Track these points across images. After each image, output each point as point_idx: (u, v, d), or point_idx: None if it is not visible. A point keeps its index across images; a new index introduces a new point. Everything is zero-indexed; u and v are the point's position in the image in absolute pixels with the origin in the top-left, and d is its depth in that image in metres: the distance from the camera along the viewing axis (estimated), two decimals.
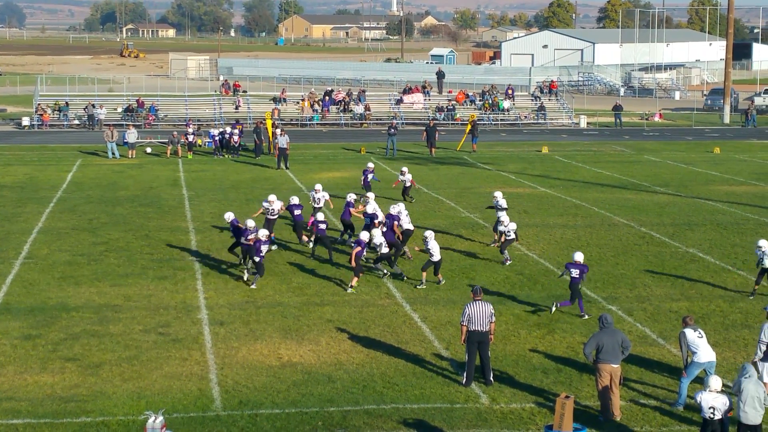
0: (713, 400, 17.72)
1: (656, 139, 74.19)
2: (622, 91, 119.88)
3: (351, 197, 36.40)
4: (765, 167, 58.17)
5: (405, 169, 45.23)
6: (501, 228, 33.67)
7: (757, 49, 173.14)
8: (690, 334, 20.67)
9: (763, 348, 20.64)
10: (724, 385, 19.94)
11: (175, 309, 27.86)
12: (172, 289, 29.98)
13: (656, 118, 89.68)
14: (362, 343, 24.93)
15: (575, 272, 27.01)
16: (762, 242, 28.97)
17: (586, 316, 26.92)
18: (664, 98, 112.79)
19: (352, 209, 35.77)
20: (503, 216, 34.02)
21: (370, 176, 45.31)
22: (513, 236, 33.29)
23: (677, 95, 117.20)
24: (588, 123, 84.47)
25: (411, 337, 25.53)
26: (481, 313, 21.91)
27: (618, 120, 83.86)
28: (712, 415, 17.72)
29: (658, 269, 32.68)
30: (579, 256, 27.40)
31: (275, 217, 35.67)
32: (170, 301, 28.70)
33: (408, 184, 44.92)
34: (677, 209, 43.92)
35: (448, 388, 21.88)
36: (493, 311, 22.14)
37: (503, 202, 36.04)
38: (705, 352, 20.61)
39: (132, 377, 22.46)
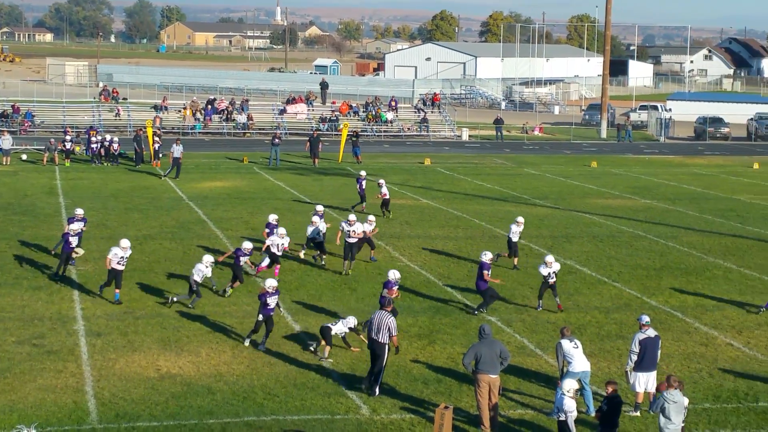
0: (561, 403, 18.35)
1: (536, 153, 75.27)
2: (503, 104, 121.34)
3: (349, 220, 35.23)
4: (640, 181, 59.40)
5: (382, 181, 45.02)
6: None
7: (633, 66, 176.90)
8: (566, 344, 21.02)
9: (634, 358, 21.08)
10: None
11: (50, 320, 27.35)
12: (47, 299, 29.42)
13: (536, 132, 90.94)
14: (243, 354, 24.78)
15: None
16: None
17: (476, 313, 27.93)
18: (543, 112, 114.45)
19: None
20: None
21: (363, 183, 45.50)
22: None
23: (556, 110, 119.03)
24: (470, 136, 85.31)
25: (292, 348, 25.45)
26: (378, 323, 22.05)
27: (499, 133, 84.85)
28: (558, 416, 18.41)
29: (537, 281, 33.09)
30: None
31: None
32: (45, 311, 28.16)
33: (385, 196, 44.39)
34: (555, 222, 44.59)
35: (329, 399, 21.86)
36: (392, 325, 22.19)
37: None
38: (579, 362, 20.98)
39: (4, 390, 21.96)
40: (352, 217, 34.33)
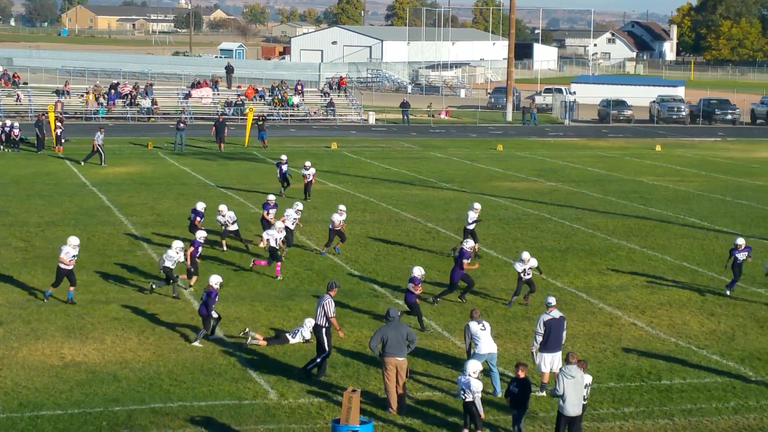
0: (466, 383, 18.54)
1: (442, 136, 75.61)
2: (409, 88, 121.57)
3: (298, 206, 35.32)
4: (545, 164, 60.00)
5: (308, 163, 44.76)
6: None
7: (538, 49, 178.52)
8: (474, 326, 21.17)
9: (539, 338, 21.31)
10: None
11: None
12: None
13: (442, 116, 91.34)
14: (149, 341, 24.56)
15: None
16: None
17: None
18: (450, 96, 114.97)
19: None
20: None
21: (284, 168, 45.06)
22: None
23: (462, 93, 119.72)
24: (376, 119, 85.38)
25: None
26: (317, 307, 22.40)
27: (405, 117, 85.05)
28: (464, 397, 18.57)
29: (444, 263, 33.28)
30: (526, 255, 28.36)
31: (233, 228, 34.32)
32: None
33: (310, 179, 44.42)
34: (462, 205, 44.78)
35: (236, 385, 21.76)
36: (327, 307, 22.26)
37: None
38: (486, 344, 21.15)
39: None
40: (341, 207, 34.60)
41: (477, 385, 18.56)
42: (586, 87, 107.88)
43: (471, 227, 33.97)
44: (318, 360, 22.41)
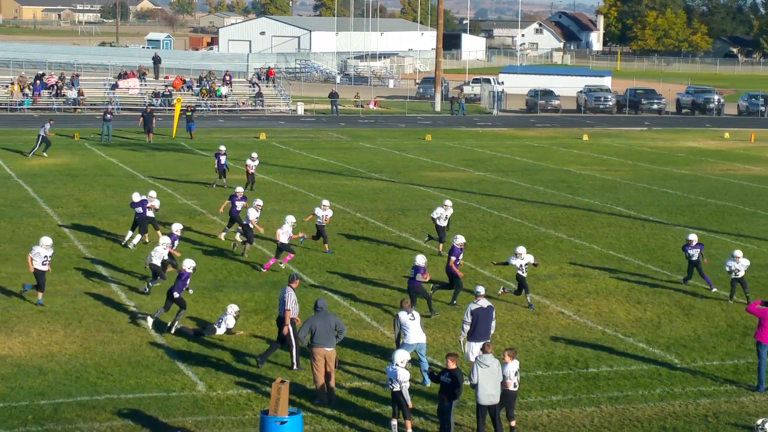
0: (394, 373, 18.55)
1: (371, 126, 75.62)
2: (338, 78, 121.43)
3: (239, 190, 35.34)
4: (473, 154, 60.23)
5: (255, 155, 44.39)
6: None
7: (466, 39, 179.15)
8: (403, 316, 21.21)
9: (467, 328, 21.41)
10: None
11: None
12: None
13: (371, 106, 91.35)
14: (76, 334, 24.31)
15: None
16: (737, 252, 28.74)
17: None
18: (378, 86, 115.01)
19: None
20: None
21: (223, 159, 44.65)
22: None
23: (391, 83, 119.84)
24: (305, 110, 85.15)
25: (126, 326, 25.08)
26: (280, 300, 22.42)
27: (334, 107, 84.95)
28: (392, 387, 18.60)
29: (373, 254, 33.33)
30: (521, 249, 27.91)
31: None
32: None
33: (253, 170, 44.11)
34: (391, 195, 44.91)
35: (164, 377, 21.61)
36: (286, 299, 22.20)
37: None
38: (415, 334, 21.20)
39: None
40: (325, 202, 34.03)
41: (404, 375, 18.60)
42: (514, 77, 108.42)
43: (442, 224, 33.57)
44: (271, 349, 22.56)
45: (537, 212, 41.46)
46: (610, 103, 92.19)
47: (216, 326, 24.68)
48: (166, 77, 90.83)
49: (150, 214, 33.84)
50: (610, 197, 45.49)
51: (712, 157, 60.97)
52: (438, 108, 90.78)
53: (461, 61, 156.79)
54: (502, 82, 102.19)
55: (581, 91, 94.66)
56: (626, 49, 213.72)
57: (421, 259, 26.38)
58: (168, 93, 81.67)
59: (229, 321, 24.69)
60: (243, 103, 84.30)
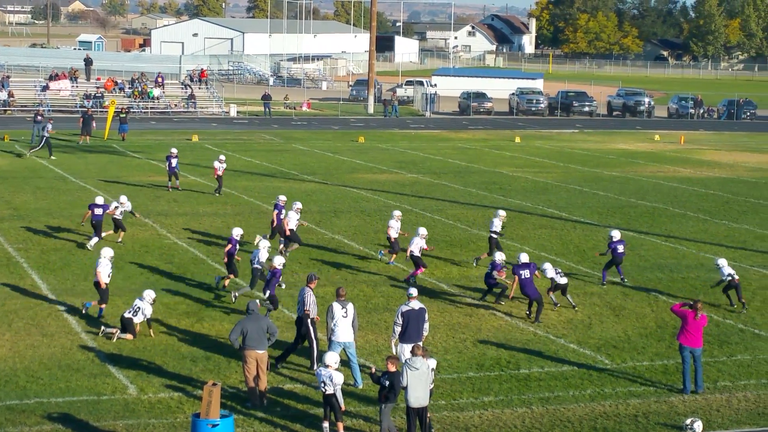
0: (327, 375, 18.54)
1: (304, 129, 75.52)
2: (271, 80, 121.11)
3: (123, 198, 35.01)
4: (406, 156, 60.35)
5: (222, 157, 44.08)
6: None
7: (399, 41, 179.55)
8: (336, 309, 21.20)
9: (398, 329, 21.42)
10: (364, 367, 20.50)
11: None
12: None
13: (304, 108, 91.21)
14: (5, 337, 23.99)
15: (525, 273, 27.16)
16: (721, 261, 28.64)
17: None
18: (312, 88, 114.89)
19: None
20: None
21: (174, 161, 44.21)
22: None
23: (324, 85, 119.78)
24: (238, 112, 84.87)
25: (57, 329, 24.80)
26: (300, 300, 22.77)
27: (267, 109, 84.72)
28: (324, 389, 18.55)
29: (306, 255, 33.26)
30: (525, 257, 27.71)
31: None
32: None
33: (221, 173, 43.61)
34: (324, 197, 44.87)
35: (94, 380, 21.40)
36: (306, 299, 22.54)
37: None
38: (344, 332, 21.20)
39: None
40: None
41: (339, 378, 18.57)
42: (446, 79, 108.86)
43: (495, 236, 33.19)
44: (290, 350, 22.73)
45: (469, 214, 41.63)
46: (542, 105, 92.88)
47: (133, 317, 24.35)
48: (98, 79, 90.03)
49: (118, 215, 33.88)
50: (542, 199, 45.80)
51: (642, 159, 61.62)
52: (371, 110, 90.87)
53: (394, 63, 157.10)
54: (435, 85, 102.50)
55: (513, 94, 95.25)
56: (558, 52, 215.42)
57: (499, 256, 28.09)
58: (99, 95, 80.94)
59: (147, 309, 24.38)
60: (175, 105, 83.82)
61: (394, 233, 32.45)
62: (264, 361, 20.26)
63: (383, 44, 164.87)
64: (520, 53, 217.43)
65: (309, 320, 22.43)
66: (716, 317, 27.10)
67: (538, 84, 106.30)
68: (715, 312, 27.49)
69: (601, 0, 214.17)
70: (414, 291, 22.00)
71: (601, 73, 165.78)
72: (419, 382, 18.18)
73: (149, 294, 24.47)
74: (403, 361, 18.72)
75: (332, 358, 18.83)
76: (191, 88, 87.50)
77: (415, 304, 21.55)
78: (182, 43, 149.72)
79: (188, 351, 23.45)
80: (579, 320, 26.81)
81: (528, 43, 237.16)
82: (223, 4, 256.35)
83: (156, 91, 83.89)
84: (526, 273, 26.94)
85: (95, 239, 33.11)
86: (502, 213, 33.60)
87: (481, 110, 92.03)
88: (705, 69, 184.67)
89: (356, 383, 21.32)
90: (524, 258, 27.50)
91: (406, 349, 21.22)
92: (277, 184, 47.66)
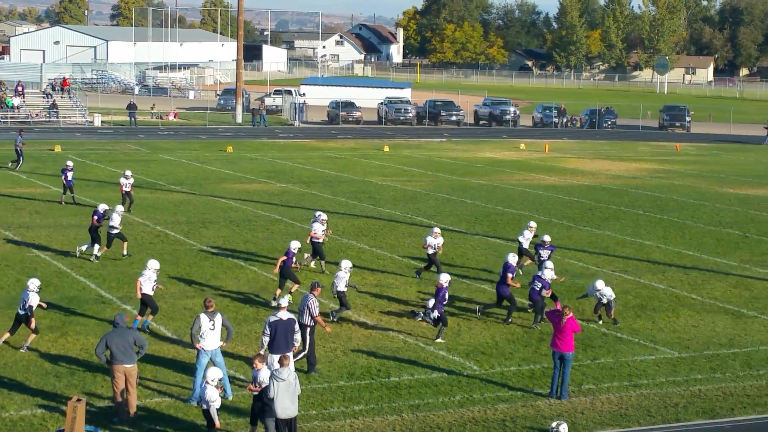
0: (203, 391, 18.34)
1: (171, 138, 74.72)
2: (136, 89, 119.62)
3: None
4: (275, 165, 60.14)
5: (128, 172, 42.70)
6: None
7: (267, 51, 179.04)
8: (204, 321, 20.99)
9: (266, 340, 21.28)
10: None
11: None
12: None
13: (171, 117, 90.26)
14: None
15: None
16: (599, 283, 28.42)
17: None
18: (178, 97, 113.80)
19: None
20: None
21: (70, 174, 43.01)
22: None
23: (192, 94, 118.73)
24: (102, 121, 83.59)
25: None
26: (302, 307, 23.14)
27: (133, 119, 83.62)
28: (205, 407, 18.35)
29: (174, 267, 32.86)
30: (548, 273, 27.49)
31: None
32: None
33: (128, 189, 42.30)
34: (192, 207, 44.42)
35: None
36: (312, 306, 22.87)
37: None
38: (211, 341, 21.01)
39: None
40: (436, 229, 32.62)
41: (212, 394, 18.29)
42: (315, 89, 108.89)
43: (526, 245, 33.15)
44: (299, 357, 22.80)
45: (339, 223, 41.62)
46: (410, 114, 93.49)
47: (21, 310, 23.94)
48: None
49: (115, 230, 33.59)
50: (411, 207, 46.06)
51: (508, 167, 62.44)
52: (239, 119, 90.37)
53: (262, 72, 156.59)
54: (304, 94, 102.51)
55: (382, 103, 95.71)
56: (426, 62, 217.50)
57: (512, 258, 27.64)
58: None
59: (33, 299, 23.87)
60: (36, 115, 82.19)
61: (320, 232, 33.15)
62: (133, 375, 19.90)
63: (251, 53, 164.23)
64: (389, 63, 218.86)
65: (309, 328, 22.86)
66: (580, 321, 27.54)
67: (406, 93, 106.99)
68: (579, 317, 27.92)
69: (467, 10, 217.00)
70: (284, 301, 21.89)
71: (468, 83, 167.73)
72: (287, 393, 18.08)
73: (34, 282, 24.08)
74: (270, 374, 18.60)
75: (212, 374, 18.53)
76: (53, 97, 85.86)
77: (284, 315, 21.44)
78: (43, 50, 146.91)
79: (52, 367, 22.92)
80: (448, 327, 26.93)
81: (396, 52, 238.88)
82: (86, 11, 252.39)
83: (15, 101, 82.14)
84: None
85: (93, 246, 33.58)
86: (533, 224, 33.73)
87: (350, 119, 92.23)
88: (568, 79, 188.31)
89: (226, 394, 21.09)
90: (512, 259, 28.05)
91: (275, 359, 21.10)
92: (144, 195, 47.01)
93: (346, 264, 27.65)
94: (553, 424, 18.13)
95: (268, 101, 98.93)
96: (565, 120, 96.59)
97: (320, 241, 32.93)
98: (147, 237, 37.60)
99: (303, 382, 20.20)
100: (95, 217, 33.79)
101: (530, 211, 45.80)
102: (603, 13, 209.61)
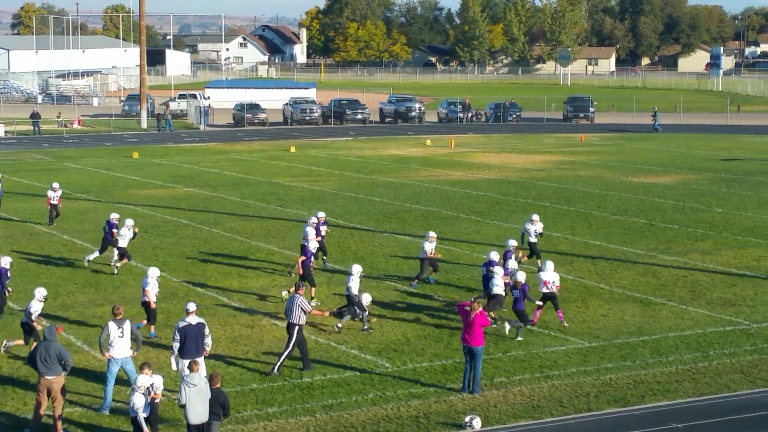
0: (131, 398, 18.27)
1: (76, 146, 73.90)
2: (40, 98, 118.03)
3: None
4: (182, 170, 59.78)
5: (56, 185, 41.86)
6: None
7: (171, 55, 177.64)
8: (113, 328, 20.92)
9: (176, 345, 21.21)
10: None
11: None
12: None
13: (75, 125, 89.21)
14: None
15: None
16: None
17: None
18: (82, 105, 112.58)
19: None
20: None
21: None
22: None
23: (95, 101, 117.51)
24: (6, 131, 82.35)
25: None
26: (292, 307, 23.59)
27: (36, 128, 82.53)
28: (133, 414, 18.29)
29: (81, 276, 32.57)
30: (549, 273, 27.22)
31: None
32: None
33: (55, 201, 41.33)
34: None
35: None
36: (302, 305, 23.37)
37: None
38: (120, 350, 20.94)
39: None
40: (432, 233, 32.21)
41: (138, 401, 18.24)
42: (220, 92, 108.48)
43: (534, 240, 33.31)
44: (304, 353, 23.55)
45: (248, 226, 41.57)
46: (316, 114, 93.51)
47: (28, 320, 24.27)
48: None
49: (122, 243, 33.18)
50: (319, 207, 45.89)
51: (415, 164, 62.78)
52: (144, 125, 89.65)
53: (166, 76, 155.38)
54: (209, 97, 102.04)
55: (287, 104, 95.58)
56: (330, 61, 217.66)
57: (521, 275, 26.76)
58: None
59: (35, 306, 24.35)
60: None
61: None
62: (55, 387, 19.72)
63: (154, 58, 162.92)
64: (293, 63, 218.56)
65: (297, 327, 23.40)
66: (492, 315, 27.84)
67: (311, 93, 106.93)
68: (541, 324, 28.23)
69: (369, 9, 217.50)
70: (192, 306, 21.84)
71: (373, 81, 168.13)
72: (198, 398, 18.09)
73: (40, 291, 24.64)
74: (181, 379, 18.58)
75: (142, 381, 18.57)
76: None
77: (193, 320, 21.41)
78: None
79: None
80: (359, 326, 27.07)
81: (300, 52, 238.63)
82: None
83: None
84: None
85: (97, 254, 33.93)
86: (535, 217, 34.00)
87: (256, 121, 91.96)
88: (472, 74, 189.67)
89: (102, 408, 21.00)
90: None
91: (186, 364, 21.07)
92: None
93: (357, 269, 27.77)
94: (467, 419, 18.40)
95: (173, 106, 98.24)
96: (470, 115, 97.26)
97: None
98: (56, 246, 37.20)
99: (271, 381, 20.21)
100: (111, 229, 33.80)
101: (437, 206, 46.13)
102: (505, 7, 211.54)
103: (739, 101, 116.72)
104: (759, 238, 38.56)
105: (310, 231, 31.59)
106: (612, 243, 37.99)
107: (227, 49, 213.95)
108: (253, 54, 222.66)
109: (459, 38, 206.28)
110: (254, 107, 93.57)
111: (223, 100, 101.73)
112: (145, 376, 18.75)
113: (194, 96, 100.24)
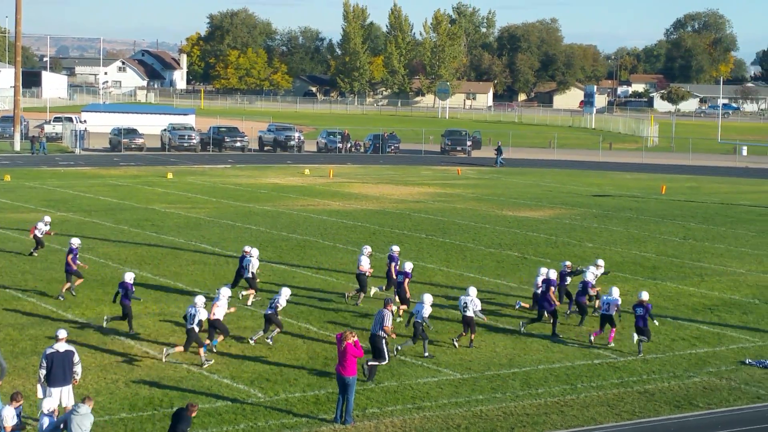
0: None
1: None
2: None
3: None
4: (55, 194, 58.77)
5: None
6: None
7: (47, 77, 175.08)
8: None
9: (42, 372, 20.87)
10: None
11: None
12: None
13: None
14: None
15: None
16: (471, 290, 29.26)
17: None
18: None
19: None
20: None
21: None
22: None
23: None
24: None
25: None
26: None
27: None
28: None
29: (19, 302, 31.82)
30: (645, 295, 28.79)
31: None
32: None
33: (45, 232, 39.56)
34: None
35: None
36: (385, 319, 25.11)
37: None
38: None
39: None
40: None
41: (8, 414, 18.11)
42: (97, 115, 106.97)
43: (592, 280, 32.63)
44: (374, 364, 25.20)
45: (121, 252, 41.03)
46: (194, 141, 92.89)
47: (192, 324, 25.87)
48: None
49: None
50: (195, 234, 45.76)
51: (293, 193, 62.71)
52: (18, 147, 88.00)
53: (42, 99, 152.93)
54: (85, 121, 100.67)
55: (165, 130, 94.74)
56: (210, 88, 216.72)
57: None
58: None
59: (202, 314, 26.06)
60: None
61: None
62: None
63: (30, 80, 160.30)
64: (172, 89, 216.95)
65: (382, 339, 25.29)
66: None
67: (190, 120, 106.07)
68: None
69: (250, 36, 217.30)
70: (62, 333, 21.46)
71: (253, 109, 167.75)
72: (79, 428, 18.07)
73: (200, 299, 26.29)
74: (71, 408, 18.43)
75: (48, 404, 18.65)
76: None
77: (61, 347, 21.06)
78: None
79: None
80: (234, 354, 26.90)
81: (180, 78, 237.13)
82: None
83: None
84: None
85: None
86: (600, 262, 33.97)
87: (133, 146, 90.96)
88: (352, 104, 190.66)
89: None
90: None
91: (54, 392, 20.69)
92: None
93: (428, 299, 28.38)
94: None
95: (48, 128, 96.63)
96: (349, 145, 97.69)
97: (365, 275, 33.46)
98: None
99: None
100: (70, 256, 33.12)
101: (314, 236, 46.12)
102: (386, 39, 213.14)
103: (611, 139, 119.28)
104: (627, 273, 39.36)
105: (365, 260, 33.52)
106: (486, 275, 38.41)
107: (105, 73, 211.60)
108: (132, 78, 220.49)
109: (340, 69, 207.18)
110: (132, 132, 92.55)
111: (100, 124, 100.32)
112: (51, 400, 18.67)
113: (70, 119, 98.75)
